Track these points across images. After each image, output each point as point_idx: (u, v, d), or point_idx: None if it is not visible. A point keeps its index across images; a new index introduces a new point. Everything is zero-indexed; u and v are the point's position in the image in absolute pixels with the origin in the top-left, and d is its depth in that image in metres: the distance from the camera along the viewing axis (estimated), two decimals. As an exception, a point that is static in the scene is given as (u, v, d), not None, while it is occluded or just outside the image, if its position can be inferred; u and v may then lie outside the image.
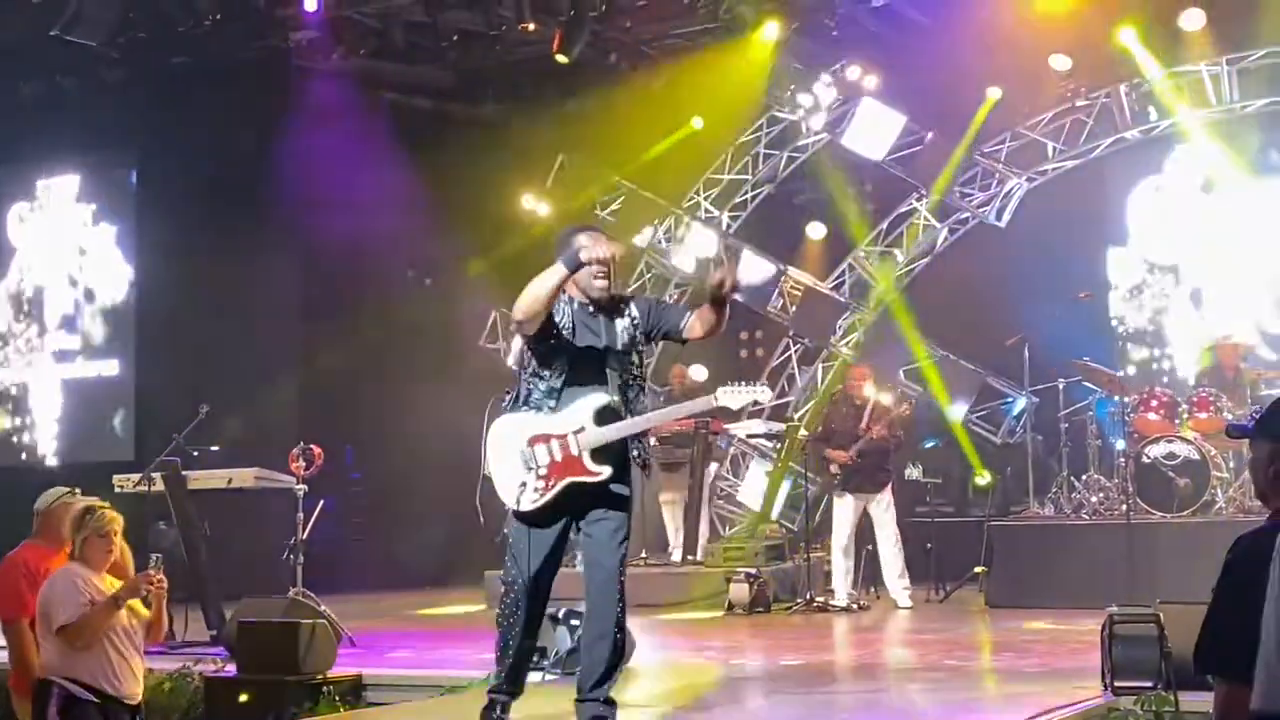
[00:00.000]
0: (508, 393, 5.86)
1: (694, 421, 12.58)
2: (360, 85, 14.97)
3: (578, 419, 5.62)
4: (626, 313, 5.75)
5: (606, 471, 5.64)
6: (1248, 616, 2.91)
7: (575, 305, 5.73)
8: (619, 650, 5.71)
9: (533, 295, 5.50)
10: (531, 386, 5.72)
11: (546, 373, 5.68)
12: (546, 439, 5.62)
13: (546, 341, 5.66)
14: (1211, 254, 14.02)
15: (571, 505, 5.70)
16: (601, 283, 5.70)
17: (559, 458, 5.61)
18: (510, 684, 5.84)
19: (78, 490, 6.88)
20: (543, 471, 5.62)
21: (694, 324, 5.72)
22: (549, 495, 5.63)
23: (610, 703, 5.71)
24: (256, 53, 14.33)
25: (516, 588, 5.72)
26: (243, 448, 11.73)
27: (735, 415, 12.73)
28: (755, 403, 6.04)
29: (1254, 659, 2.60)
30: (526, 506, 5.62)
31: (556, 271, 5.53)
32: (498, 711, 5.81)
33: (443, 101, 15.90)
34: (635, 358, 5.78)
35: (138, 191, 16.01)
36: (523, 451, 5.63)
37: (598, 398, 5.64)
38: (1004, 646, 9.21)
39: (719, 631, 10.54)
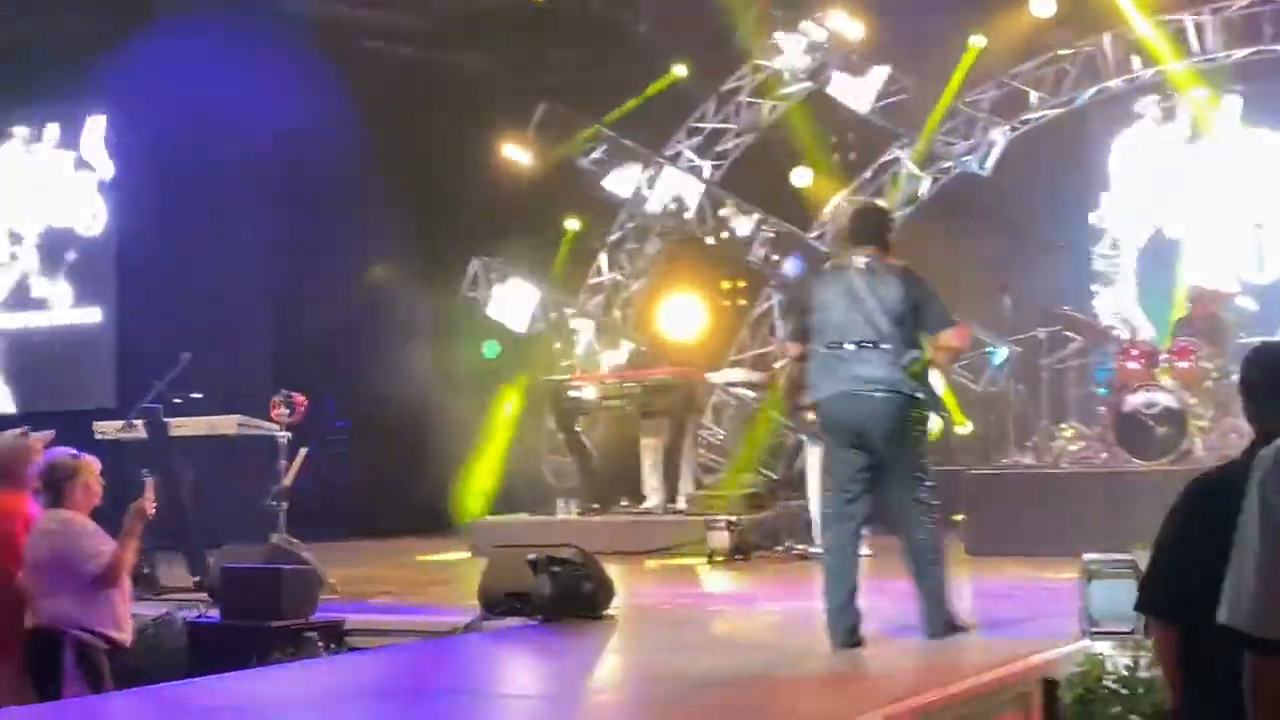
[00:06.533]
0: None
1: (674, 370, 12.62)
2: (340, 32, 14.83)
3: None
4: None
5: None
6: (1200, 557, 2.85)
7: None
8: None
9: None
10: None
11: None
12: None
13: None
14: (1193, 203, 14.04)
15: None
16: None
17: None
18: None
19: (29, 430, 6.81)
20: None
21: None
22: None
23: None
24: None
25: None
26: (225, 395, 11.69)
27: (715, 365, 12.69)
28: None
29: (1201, 602, 2.61)
30: None
31: None
32: None
33: (423, 49, 15.77)
34: None
35: (115, 137, 15.88)
36: None
37: None
38: (982, 594, 9.24)
39: (697, 578, 10.59)
